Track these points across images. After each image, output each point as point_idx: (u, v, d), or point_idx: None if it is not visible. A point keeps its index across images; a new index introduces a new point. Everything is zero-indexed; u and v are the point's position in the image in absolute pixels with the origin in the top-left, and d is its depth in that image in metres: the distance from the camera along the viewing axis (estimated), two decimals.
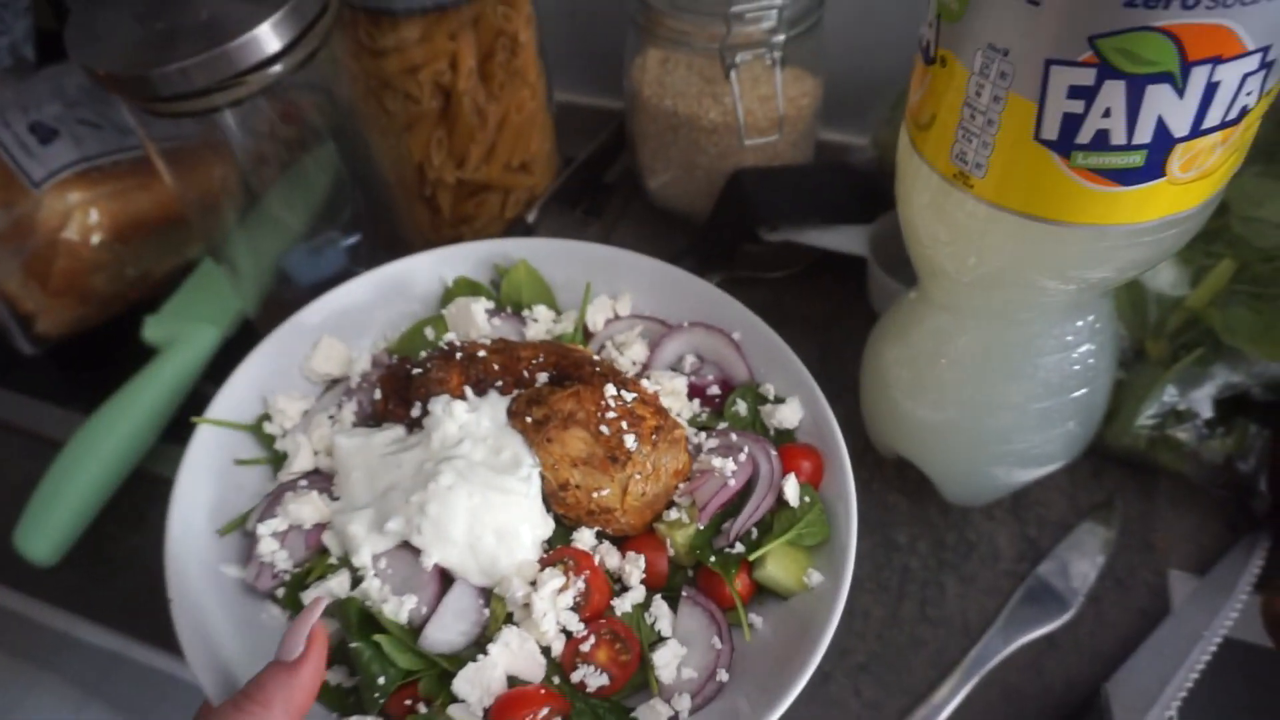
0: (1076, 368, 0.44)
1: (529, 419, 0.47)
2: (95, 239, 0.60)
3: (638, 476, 0.45)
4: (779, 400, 0.51)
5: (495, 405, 0.48)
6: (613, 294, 0.56)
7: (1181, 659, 0.45)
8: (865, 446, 0.54)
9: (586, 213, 0.69)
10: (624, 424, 0.46)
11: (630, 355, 0.54)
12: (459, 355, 0.50)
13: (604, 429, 0.46)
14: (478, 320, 0.54)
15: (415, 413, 0.48)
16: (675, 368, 0.54)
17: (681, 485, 0.47)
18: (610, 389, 0.47)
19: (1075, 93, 0.30)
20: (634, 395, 0.47)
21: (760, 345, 0.52)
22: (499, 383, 0.49)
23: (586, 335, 0.55)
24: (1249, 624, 0.46)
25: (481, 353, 0.50)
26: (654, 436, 0.46)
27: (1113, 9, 0.28)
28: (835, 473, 0.47)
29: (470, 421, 0.47)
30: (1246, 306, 0.48)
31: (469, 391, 0.48)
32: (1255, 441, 0.48)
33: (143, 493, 0.56)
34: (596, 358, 0.51)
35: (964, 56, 0.33)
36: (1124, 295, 0.49)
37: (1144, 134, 0.30)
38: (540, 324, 0.55)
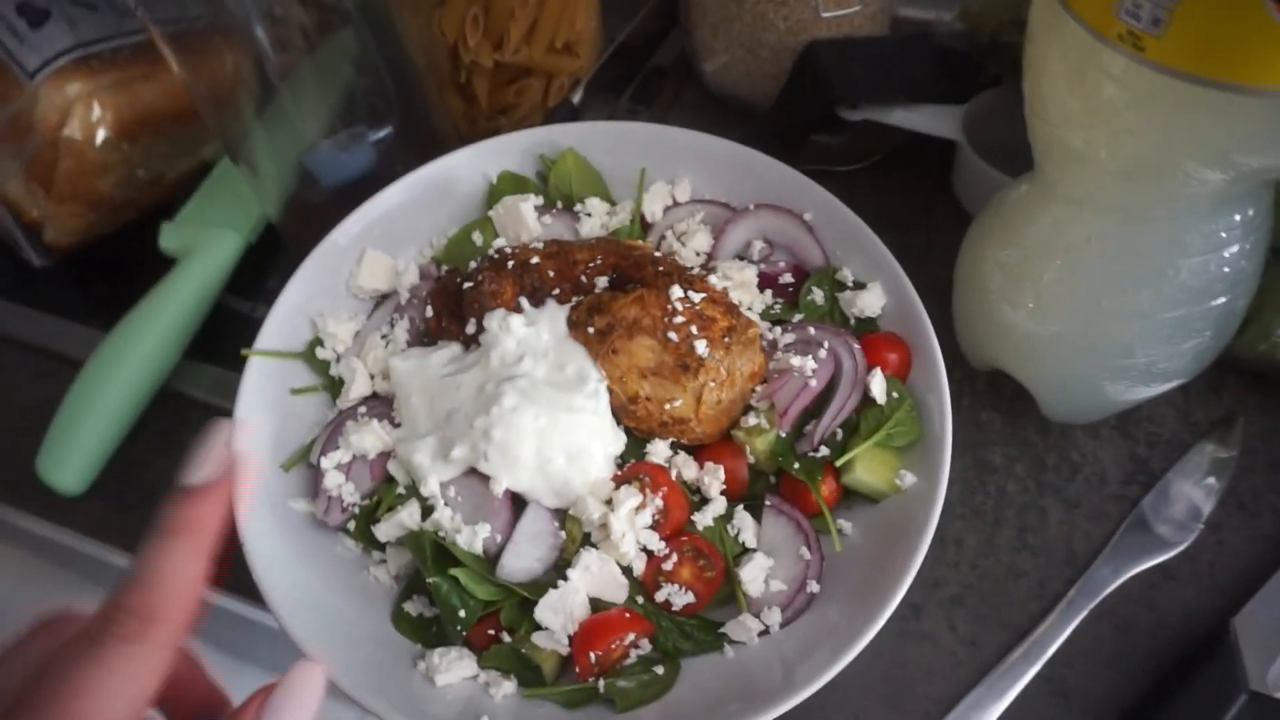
0: (1225, 270, 0.38)
1: (591, 329, 0.42)
2: (100, 137, 0.55)
3: (711, 384, 0.41)
4: (859, 286, 0.46)
5: (554, 316, 0.43)
6: (670, 179, 0.51)
7: None
8: (954, 358, 0.49)
9: (634, 100, 0.63)
10: (693, 328, 0.41)
11: (694, 245, 0.49)
12: (510, 264, 0.45)
13: (672, 335, 0.41)
14: (528, 220, 0.48)
15: (471, 329, 0.44)
16: (743, 255, 0.50)
17: (758, 388, 0.43)
18: (676, 290, 0.42)
19: None
20: (702, 295, 0.43)
21: (835, 226, 0.48)
22: (556, 290, 0.44)
23: (645, 227, 0.51)
24: None
25: (535, 259, 0.45)
26: (726, 339, 0.42)
27: None
28: (925, 364, 0.43)
29: (529, 336, 0.43)
30: None
31: (524, 303, 0.44)
32: None
33: (171, 414, 0.52)
34: (658, 254, 0.46)
35: None
36: None
37: None
38: (595, 218, 0.50)
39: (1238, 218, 0.38)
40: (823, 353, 0.43)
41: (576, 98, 0.58)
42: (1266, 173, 0.35)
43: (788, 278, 0.48)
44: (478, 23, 0.54)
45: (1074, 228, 0.40)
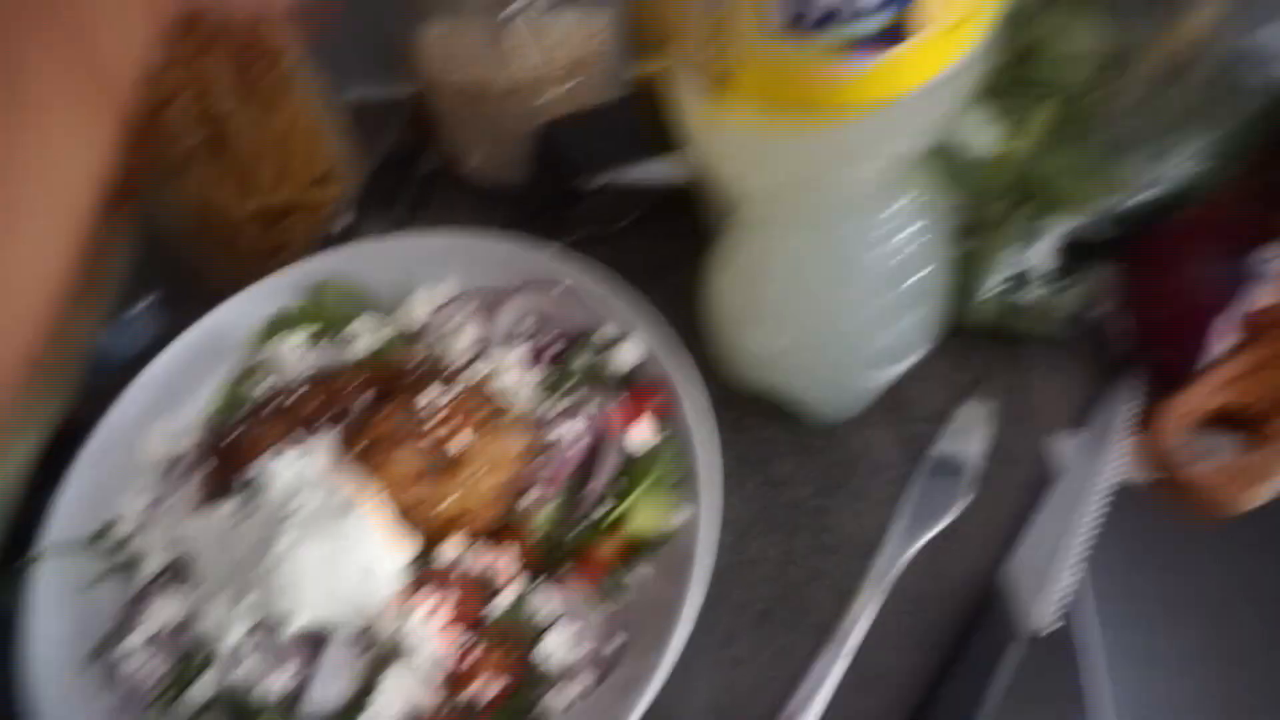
0: (910, 249, 0.42)
1: (356, 450, 0.44)
2: None
3: (479, 474, 0.43)
4: (620, 341, 0.49)
5: (324, 446, 0.45)
6: (436, 280, 0.53)
7: (1072, 525, 0.43)
8: (734, 385, 0.52)
9: (412, 208, 0.65)
10: (450, 425, 0.44)
11: (464, 338, 0.51)
12: (273, 405, 0.46)
13: (430, 438, 0.43)
14: (289, 359, 0.50)
15: (249, 476, 0.45)
16: (517, 334, 0.52)
17: (531, 463, 0.45)
18: (429, 394, 0.44)
19: None
20: (458, 389, 0.45)
21: (591, 290, 0.51)
22: (323, 420, 0.46)
23: (415, 335, 0.53)
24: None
25: (297, 395, 0.47)
26: (486, 428, 0.44)
27: None
28: (686, 402, 0.46)
29: (300, 470, 0.44)
30: (1070, 148, 0.45)
31: (293, 440, 0.45)
32: (1102, 285, 0.46)
33: None
34: (419, 358, 0.48)
35: None
36: (945, 164, 0.46)
37: None
38: (363, 338, 0.52)
39: (900, 203, 0.41)
40: (584, 417, 0.46)
41: (346, 222, 0.61)
42: (907, 155, 0.38)
43: (559, 346, 0.51)
44: (226, 176, 0.56)
45: (775, 246, 0.43)
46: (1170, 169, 0.44)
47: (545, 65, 0.55)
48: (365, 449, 0.44)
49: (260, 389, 0.50)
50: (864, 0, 0.28)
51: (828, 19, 0.28)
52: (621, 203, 0.60)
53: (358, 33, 0.64)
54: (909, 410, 0.50)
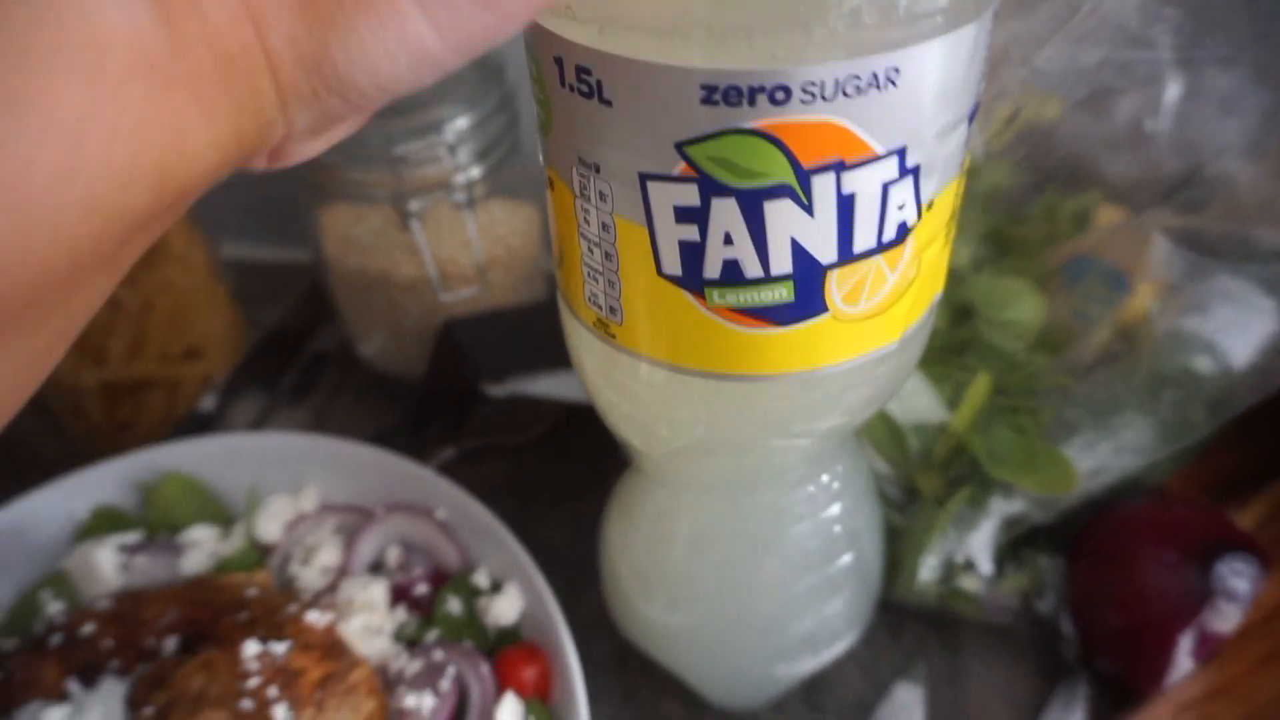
0: (837, 529, 0.36)
1: (151, 709, 0.35)
2: None
3: None
4: (496, 589, 0.42)
5: (109, 697, 0.36)
6: (295, 489, 0.46)
7: None
8: (630, 643, 0.44)
9: (294, 391, 0.58)
10: (274, 688, 0.35)
11: (321, 562, 0.43)
12: (55, 638, 0.37)
13: (246, 703, 0.35)
14: (103, 571, 0.42)
15: None
16: (380, 565, 0.44)
17: None
18: (251, 646, 0.36)
19: (684, 215, 0.23)
20: (288, 643, 0.37)
21: (471, 523, 0.44)
22: (116, 663, 0.37)
23: (266, 550, 0.45)
24: None
25: (89, 626, 0.38)
26: (319, 693, 0.36)
27: (691, 108, 0.21)
28: (563, 674, 0.38)
29: None
30: (1008, 426, 0.41)
31: (72, 686, 0.36)
32: (1049, 576, 0.41)
33: None
34: (253, 592, 0.40)
35: (565, 176, 0.25)
36: (881, 428, 0.42)
37: (782, 261, 0.23)
38: (202, 548, 0.44)
39: (826, 478, 0.36)
40: (445, 683, 0.38)
41: (210, 403, 0.53)
42: (833, 433, 0.33)
43: (422, 588, 0.43)
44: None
45: (675, 510, 0.37)
46: (1115, 458, 0.41)
47: (454, 262, 0.50)
48: (164, 708, 0.35)
49: (54, 607, 0.41)
50: (757, 266, 0.24)
51: (730, 276, 0.24)
52: (526, 414, 0.54)
53: (263, 193, 0.59)
54: (831, 697, 0.43)
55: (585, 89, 0.22)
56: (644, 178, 0.23)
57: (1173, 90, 0.44)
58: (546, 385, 0.52)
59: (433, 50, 0.17)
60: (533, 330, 0.53)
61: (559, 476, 0.53)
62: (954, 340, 0.43)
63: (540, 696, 0.39)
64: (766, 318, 0.25)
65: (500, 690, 0.38)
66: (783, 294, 0.24)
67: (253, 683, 0.35)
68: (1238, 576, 0.37)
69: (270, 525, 0.45)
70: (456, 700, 0.38)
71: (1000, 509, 0.40)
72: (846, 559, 0.37)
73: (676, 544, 0.37)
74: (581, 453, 0.55)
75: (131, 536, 0.44)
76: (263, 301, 0.61)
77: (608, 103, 0.22)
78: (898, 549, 0.42)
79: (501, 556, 0.43)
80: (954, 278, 0.45)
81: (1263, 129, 0.44)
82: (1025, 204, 0.47)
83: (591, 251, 0.26)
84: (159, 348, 0.51)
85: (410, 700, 0.38)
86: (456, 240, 0.50)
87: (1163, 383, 0.42)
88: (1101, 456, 0.41)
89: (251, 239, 0.68)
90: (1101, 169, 0.46)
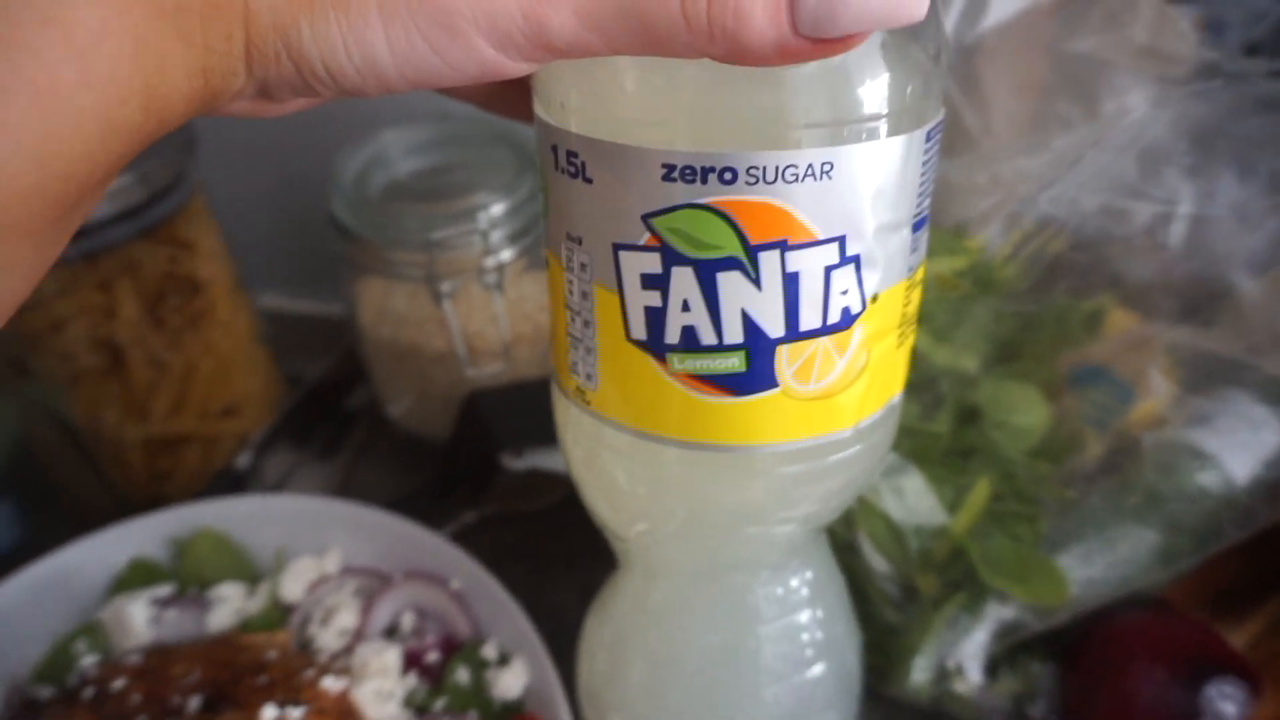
0: (805, 636, 0.37)
1: None
2: None
3: None
4: (504, 661, 0.44)
5: None
6: (319, 551, 0.48)
7: None
8: None
9: (324, 446, 0.61)
10: None
11: (339, 624, 0.45)
12: (87, 693, 0.40)
13: None
14: (134, 624, 0.44)
15: None
16: (395, 629, 0.46)
17: None
18: (269, 711, 0.38)
19: (649, 281, 0.26)
20: (304, 708, 0.39)
21: (482, 594, 0.45)
22: (143, 718, 0.39)
23: (288, 609, 0.47)
24: None
25: (119, 681, 0.40)
26: None
27: (654, 184, 0.24)
28: None
29: None
30: (1006, 534, 0.42)
31: None
32: (1042, 681, 0.42)
33: None
34: (272, 655, 0.42)
35: (557, 251, 0.28)
36: (881, 527, 0.43)
37: (734, 331, 0.26)
38: (229, 604, 0.46)
39: (795, 581, 0.36)
40: None
41: (244, 461, 0.56)
42: (807, 521, 0.34)
43: (434, 655, 0.45)
44: (118, 399, 0.52)
45: (652, 599, 0.37)
46: (1111, 570, 0.42)
47: (483, 338, 0.53)
48: None
49: (87, 660, 0.43)
50: (712, 334, 0.26)
51: (688, 342, 0.26)
52: (543, 482, 0.56)
53: (296, 239, 0.62)
54: None
55: (573, 170, 0.25)
56: (617, 248, 0.26)
57: (1186, 203, 0.45)
58: (562, 460, 0.53)
59: (383, 66, 0.19)
60: (550, 405, 0.55)
61: (572, 545, 0.55)
62: (958, 445, 0.44)
63: None
64: (723, 386, 0.27)
65: None
66: (735, 363, 0.26)
67: None
68: (1226, 700, 0.38)
69: (293, 585, 0.47)
70: None
71: (996, 614, 0.41)
72: (818, 670, 0.37)
73: (645, 642, 0.37)
74: (593, 526, 0.57)
75: (164, 590, 0.46)
76: (298, 353, 0.64)
77: (590, 181, 0.25)
78: (894, 646, 0.43)
79: (511, 629, 0.44)
80: (962, 381, 0.46)
81: (1272, 251, 0.45)
82: (1037, 301, 0.48)
83: (573, 320, 0.29)
84: (200, 406, 0.54)
85: None
86: (486, 315, 0.53)
87: (1161, 498, 0.43)
88: (1098, 568, 0.42)
89: (291, 291, 0.71)
90: (1114, 267, 0.47)
